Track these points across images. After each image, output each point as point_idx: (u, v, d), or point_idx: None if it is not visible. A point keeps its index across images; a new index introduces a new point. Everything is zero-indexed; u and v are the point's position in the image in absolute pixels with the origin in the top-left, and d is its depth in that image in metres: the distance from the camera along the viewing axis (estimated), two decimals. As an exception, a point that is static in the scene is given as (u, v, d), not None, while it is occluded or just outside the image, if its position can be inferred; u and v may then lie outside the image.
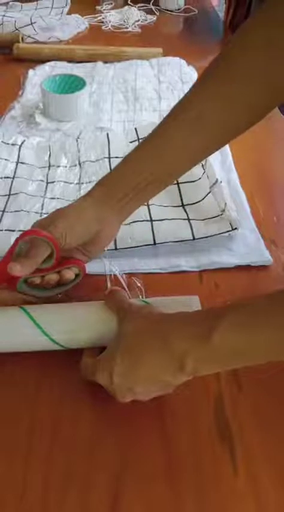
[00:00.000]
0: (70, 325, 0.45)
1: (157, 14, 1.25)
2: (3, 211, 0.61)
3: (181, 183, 0.64)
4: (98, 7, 1.26)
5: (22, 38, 1.06)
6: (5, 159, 0.69)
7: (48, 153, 0.72)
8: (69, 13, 1.21)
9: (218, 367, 0.39)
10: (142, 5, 1.27)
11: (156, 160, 0.47)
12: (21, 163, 0.69)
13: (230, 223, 0.56)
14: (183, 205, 0.61)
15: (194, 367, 0.36)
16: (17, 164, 0.69)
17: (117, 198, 0.47)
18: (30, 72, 0.96)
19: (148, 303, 0.46)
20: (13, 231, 0.57)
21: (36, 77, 0.95)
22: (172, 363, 0.37)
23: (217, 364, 0.38)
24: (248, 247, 0.56)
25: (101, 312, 0.45)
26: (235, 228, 0.56)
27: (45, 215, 0.59)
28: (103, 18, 1.21)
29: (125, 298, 0.45)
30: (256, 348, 0.35)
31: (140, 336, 0.39)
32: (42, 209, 0.61)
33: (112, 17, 1.21)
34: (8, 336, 0.44)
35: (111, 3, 1.27)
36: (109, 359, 0.39)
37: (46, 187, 0.65)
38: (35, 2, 1.25)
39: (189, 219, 0.58)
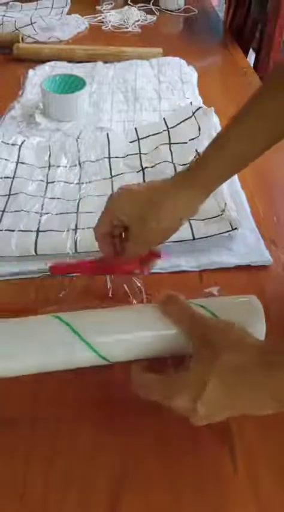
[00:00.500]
0: (123, 341, 0.40)
1: (157, 14, 1.25)
2: (3, 211, 0.60)
3: (181, 183, 0.64)
4: (98, 7, 1.26)
5: (22, 38, 1.06)
6: (5, 159, 0.69)
7: (48, 153, 0.72)
8: (69, 13, 1.21)
9: None
10: (142, 5, 1.27)
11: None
12: (21, 163, 0.69)
13: (230, 223, 0.56)
14: (183, 205, 0.61)
15: None
16: (17, 164, 0.69)
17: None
18: (30, 72, 0.96)
19: (206, 307, 0.41)
20: (13, 231, 0.57)
21: (36, 77, 0.95)
22: (277, 408, 0.34)
23: None
24: (248, 247, 0.56)
25: (159, 322, 0.39)
26: (235, 228, 0.56)
27: (45, 215, 0.59)
28: (103, 18, 1.21)
29: (186, 305, 0.40)
30: None
31: (246, 375, 0.35)
32: (42, 209, 0.61)
33: (112, 17, 1.21)
34: (48, 356, 0.39)
35: (111, 3, 1.28)
36: (197, 383, 0.35)
37: (46, 187, 0.65)
38: (35, 2, 1.25)
39: (188, 219, 0.58)
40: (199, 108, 0.71)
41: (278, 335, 0.48)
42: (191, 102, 0.73)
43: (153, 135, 0.72)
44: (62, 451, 0.39)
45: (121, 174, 0.67)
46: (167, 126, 0.72)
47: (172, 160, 0.67)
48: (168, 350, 0.39)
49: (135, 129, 0.74)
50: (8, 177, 0.66)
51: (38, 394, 0.43)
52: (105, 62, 1.01)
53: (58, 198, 0.63)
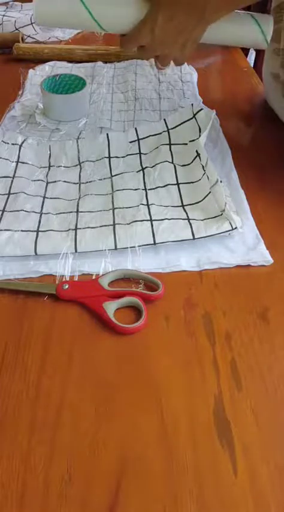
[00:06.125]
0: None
1: (157, 14, 1.25)
2: (3, 210, 0.60)
3: (181, 183, 0.64)
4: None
5: (22, 38, 1.06)
6: (5, 159, 0.69)
7: (48, 153, 0.72)
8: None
9: (229, 6, 0.58)
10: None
11: None
12: (21, 163, 0.69)
13: (230, 223, 0.56)
14: (182, 206, 0.61)
15: (210, 12, 0.56)
16: (17, 164, 0.69)
17: None
18: (30, 72, 0.96)
19: None
20: (13, 230, 0.57)
21: (36, 77, 0.95)
22: (195, 12, 0.56)
23: (227, 4, 0.57)
24: (248, 247, 0.56)
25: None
26: (235, 228, 0.56)
27: (45, 215, 0.59)
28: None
29: None
30: None
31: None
32: (42, 209, 0.61)
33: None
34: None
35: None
36: (148, 21, 0.58)
37: (46, 187, 0.65)
38: (35, 2, 1.25)
39: (188, 219, 0.58)
40: (201, 110, 0.71)
41: (278, 336, 0.48)
42: (192, 104, 0.73)
43: (153, 135, 0.72)
44: (62, 451, 0.39)
45: (121, 173, 0.67)
46: (167, 127, 0.72)
47: (173, 161, 0.67)
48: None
49: (135, 129, 0.74)
50: (8, 177, 0.66)
51: (38, 393, 0.43)
52: (105, 62, 1.01)
53: (58, 198, 0.63)
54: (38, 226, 0.58)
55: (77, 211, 0.60)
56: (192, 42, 0.61)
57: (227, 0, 0.57)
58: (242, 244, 0.57)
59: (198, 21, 0.58)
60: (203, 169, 0.64)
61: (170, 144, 0.70)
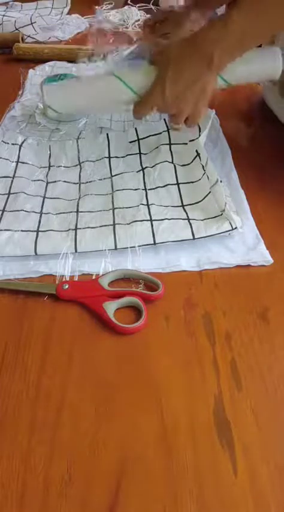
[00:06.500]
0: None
1: (157, 14, 1.25)
2: (3, 210, 0.60)
3: (181, 183, 0.64)
4: (98, 7, 1.26)
5: (22, 38, 1.06)
6: (5, 159, 0.69)
7: (48, 153, 0.72)
8: (69, 13, 1.21)
9: (237, 50, 0.54)
10: (142, 4, 1.27)
11: None
12: (21, 163, 0.69)
13: (230, 223, 0.56)
14: (182, 206, 0.61)
15: (219, 57, 0.53)
16: (17, 164, 0.69)
17: None
18: (30, 72, 0.97)
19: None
20: (13, 230, 0.57)
21: (36, 77, 0.95)
22: (203, 60, 0.54)
23: (235, 49, 0.54)
24: (248, 247, 0.56)
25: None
26: (235, 228, 0.56)
27: (45, 215, 0.59)
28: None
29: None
30: (263, 25, 0.53)
31: (179, 52, 0.56)
32: (42, 209, 0.61)
33: (112, 17, 1.21)
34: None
35: (111, 3, 1.28)
36: (158, 82, 0.57)
37: (46, 187, 0.65)
38: (35, 2, 1.25)
39: (188, 219, 0.58)
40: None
41: (278, 336, 0.48)
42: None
43: (153, 135, 0.72)
44: (62, 451, 0.39)
45: (121, 173, 0.67)
46: (167, 127, 0.72)
47: (172, 161, 0.67)
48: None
49: (135, 129, 0.74)
50: (7, 177, 0.66)
51: (38, 394, 0.43)
52: (105, 62, 1.01)
53: (58, 198, 0.63)
54: (38, 226, 0.58)
55: (77, 211, 0.60)
56: (204, 94, 0.57)
57: (235, 43, 0.54)
58: (242, 244, 0.57)
59: (207, 68, 0.55)
60: (203, 169, 0.64)
61: (170, 144, 0.70)
